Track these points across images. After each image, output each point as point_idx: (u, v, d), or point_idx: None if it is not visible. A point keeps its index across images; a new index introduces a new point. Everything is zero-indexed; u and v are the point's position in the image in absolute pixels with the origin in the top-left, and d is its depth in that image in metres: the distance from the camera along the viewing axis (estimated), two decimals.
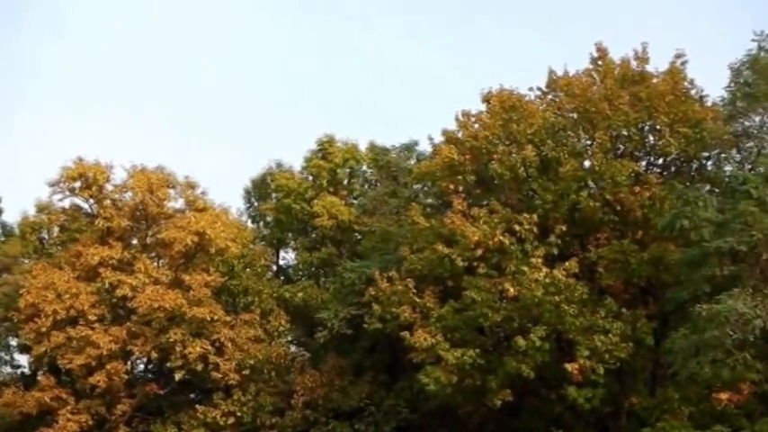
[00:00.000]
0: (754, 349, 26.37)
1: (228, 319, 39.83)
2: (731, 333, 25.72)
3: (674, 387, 31.13)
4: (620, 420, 33.51)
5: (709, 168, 35.15)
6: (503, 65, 73.93)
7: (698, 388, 29.68)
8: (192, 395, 41.37)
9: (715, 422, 29.75)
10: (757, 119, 34.83)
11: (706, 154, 34.67)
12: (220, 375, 38.57)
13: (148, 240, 41.30)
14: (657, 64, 34.76)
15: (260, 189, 47.79)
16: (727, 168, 34.88)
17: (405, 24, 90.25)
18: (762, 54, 35.07)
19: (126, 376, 38.95)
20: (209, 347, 38.51)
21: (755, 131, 34.83)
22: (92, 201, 41.49)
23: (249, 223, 47.54)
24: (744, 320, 25.53)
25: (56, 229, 44.58)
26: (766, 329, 25.74)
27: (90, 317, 38.26)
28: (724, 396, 29.29)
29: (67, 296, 38.21)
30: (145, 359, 41.61)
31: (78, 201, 42.20)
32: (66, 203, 42.64)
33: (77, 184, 40.89)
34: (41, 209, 44.19)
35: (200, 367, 38.21)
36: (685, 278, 29.74)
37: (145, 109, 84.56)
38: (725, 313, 25.57)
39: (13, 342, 44.69)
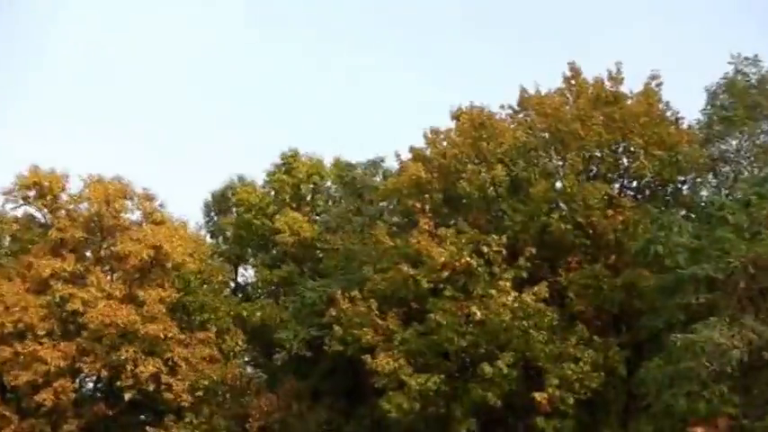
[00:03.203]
0: (730, 381, 25.32)
1: (183, 337, 38.35)
2: (707, 364, 24.76)
3: (647, 419, 29.71)
4: None
5: (685, 193, 34.47)
6: (475, 82, 72.76)
7: (672, 421, 28.30)
8: (142, 416, 39.55)
9: None
10: (734, 143, 34.38)
11: (681, 178, 33.99)
12: (173, 396, 37.03)
13: (103, 253, 39.94)
14: (632, 85, 33.78)
15: (220, 203, 46.30)
16: (704, 193, 34.28)
17: (375, 40, 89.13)
18: (738, 77, 34.60)
19: (74, 395, 37.40)
20: (162, 366, 37.07)
21: (732, 156, 34.37)
22: (46, 210, 40.65)
23: (208, 238, 46.03)
24: (720, 351, 24.58)
25: (7, 239, 42.96)
26: (743, 361, 24.76)
27: (39, 331, 37.04)
28: (699, 430, 28.17)
29: (16, 309, 36.90)
30: (94, 377, 39.92)
31: (32, 210, 41.07)
32: (20, 212, 41.21)
33: (31, 193, 40.20)
34: None
35: (151, 387, 36.88)
36: (659, 306, 28.83)
37: (105, 119, 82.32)
38: (701, 344, 24.65)
39: None
